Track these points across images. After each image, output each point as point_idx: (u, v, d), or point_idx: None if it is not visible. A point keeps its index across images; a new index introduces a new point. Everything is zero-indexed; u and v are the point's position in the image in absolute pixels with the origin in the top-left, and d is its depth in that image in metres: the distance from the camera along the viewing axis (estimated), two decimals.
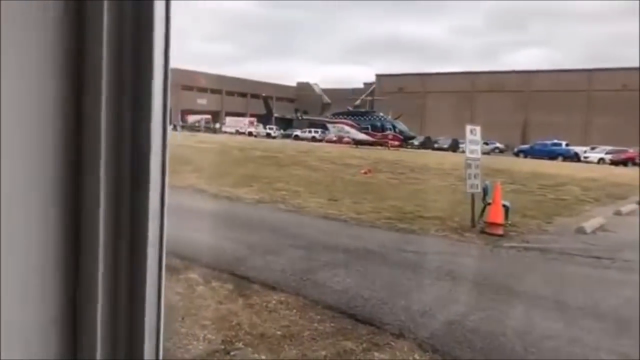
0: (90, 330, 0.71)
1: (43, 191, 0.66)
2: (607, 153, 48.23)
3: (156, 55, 0.69)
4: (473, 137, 11.41)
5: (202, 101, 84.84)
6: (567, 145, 53.04)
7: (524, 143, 60.56)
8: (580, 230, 10.98)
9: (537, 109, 68.63)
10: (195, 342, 4.60)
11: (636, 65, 51.87)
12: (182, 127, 72.62)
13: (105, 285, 0.71)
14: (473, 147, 11.32)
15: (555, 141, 53.80)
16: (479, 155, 11.37)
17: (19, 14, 0.62)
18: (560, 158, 49.27)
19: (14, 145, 0.63)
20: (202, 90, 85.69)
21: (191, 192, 13.70)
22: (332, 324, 5.22)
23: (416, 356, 4.65)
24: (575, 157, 49.18)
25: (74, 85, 0.68)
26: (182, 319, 5.11)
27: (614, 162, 45.33)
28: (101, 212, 0.70)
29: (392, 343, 4.88)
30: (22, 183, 0.65)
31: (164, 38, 0.70)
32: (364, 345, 4.79)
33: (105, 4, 0.67)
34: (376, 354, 4.63)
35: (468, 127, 11.41)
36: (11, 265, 0.64)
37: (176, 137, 42.85)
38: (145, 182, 0.71)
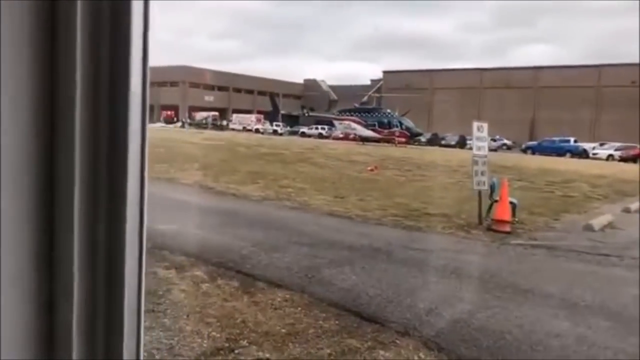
0: (66, 329, 0.69)
1: (17, 190, 0.65)
2: (616, 149, 47.89)
3: (134, 55, 0.67)
4: (480, 133, 11.34)
5: (209, 98, 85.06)
6: (575, 141, 52.66)
7: (531, 140, 60.21)
8: (588, 228, 10.89)
9: (545, 106, 68.23)
10: (199, 340, 4.59)
11: None
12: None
13: (81, 283, 0.69)
14: (480, 143, 11.25)
15: (564, 138, 53.44)
16: (486, 152, 11.30)
17: None
18: (568, 155, 48.94)
19: None
20: (209, 87, 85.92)
21: (197, 189, 13.73)
22: (337, 322, 5.20)
23: (421, 354, 4.62)
24: (584, 154, 48.83)
25: (48, 85, 0.66)
26: (187, 316, 5.11)
27: (623, 159, 45.02)
28: (76, 212, 0.68)
29: (397, 341, 4.85)
30: None
31: (142, 37, 0.68)
32: (369, 343, 4.76)
33: (79, 4, 0.65)
34: (381, 352, 4.60)
35: (475, 124, 11.34)
36: None
37: (183, 134, 42.96)
38: (123, 184, 0.69)
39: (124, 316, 0.71)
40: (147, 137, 0.72)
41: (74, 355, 0.70)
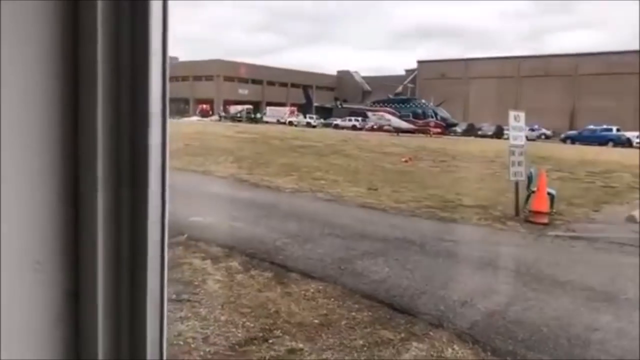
0: (92, 330, 0.71)
1: (42, 190, 0.67)
2: None
3: (153, 53, 0.69)
4: (517, 123, 11.10)
5: (243, 91, 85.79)
6: (618, 130, 50.93)
7: (572, 129, 58.57)
8: (631, 219, 10.55)
9: (586, 94, 66.18)
10: (234, 330, 4.67)
11: None
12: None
13: (106, 284, 0.71)
14: (517, 133, 11.02)
15: (605, 126, 51.76)
16: (523, 142, 11.05)
17: (14, 15, 0.63)
18: (610, 144, 47.42)
19: (14, 145, 0.64)
20: (244, 80, 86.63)
21: (232, 182, 13.89)
22: (369, 313, 5.20)
23: (455, 347, 4.58)
24: (627, 143, 47.20)
25: (71, 84, 0.68)
26: (222, 306, 5.19)
27: None
28: (99, 210, 0.69)
29: (431, 333, 4.82)
30: (22, 181, 0.65)
31: (161, 36, 0.70)
32: (402, 334, 4.75)
33: (99, 4, 0.67)
34: (414, 343, 4.58)
35: (511, 113, 11.10)
36: (11, 263, 0.65)
37: (218, 127, 43.48)
38: (145, 180, 0.71)
39: (146, 318, 0.73)
40: (168, 134, 0.73)
41: (100, 355, 0.72)
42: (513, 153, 10.62)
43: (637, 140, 47.15)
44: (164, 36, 0.70)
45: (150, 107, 0.69)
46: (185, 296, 5.39)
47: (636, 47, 64.30)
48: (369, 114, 57.53)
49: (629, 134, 49.37)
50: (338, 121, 67.11)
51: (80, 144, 0.69)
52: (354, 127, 62.42)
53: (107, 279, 0.71)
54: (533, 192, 10.21)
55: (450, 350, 4.52)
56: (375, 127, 55.56)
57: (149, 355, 0.73)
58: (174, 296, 5.37)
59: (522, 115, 11.21)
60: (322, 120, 69.51)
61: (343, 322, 4.95)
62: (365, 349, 4.47)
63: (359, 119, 63.70)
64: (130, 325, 0.73)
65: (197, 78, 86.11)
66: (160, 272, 0.74)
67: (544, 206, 9.94)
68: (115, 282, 0.72)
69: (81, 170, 0.69)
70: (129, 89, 0.69)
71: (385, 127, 53.58)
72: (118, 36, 0.68)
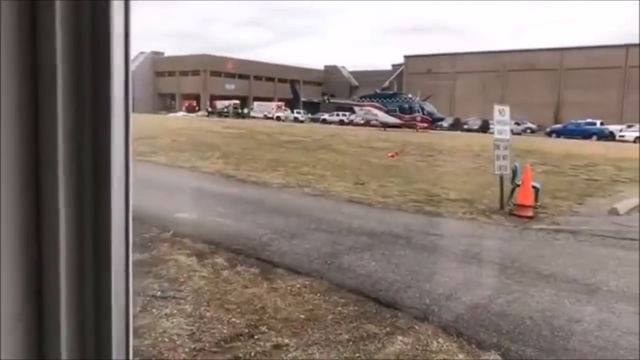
0: (55, 329, 0.71)
1: (2, 190, 0.66)
2: None
3: (115, 53, 0.68)
4: (502, 117, 11.18)
5: (230, 86, 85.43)
6: (601, 124, 51.54)
7: (556, 123, 59.13)
8: (613, 212, 10.69)
9: (570, 88, 66.80)
10: (220, 326, 4.66)
11: None
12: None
13: (69, 283, 0.71)
14: (501, 127, 11.10)
15: (589, 120, 52.34)
16: (508, 136, 11.14)
17: None
18: (594, 137, 47.99)
19: None
20: (230, 75, 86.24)
21: (218, 178, 13.84)
22: (355, 308, 5.22)
23: (440, 340, 4.62)
24: (610, 137, 47.83)
25: (30, 85, 0.67)
26: (208, 303, 5.18)
27: None
28: (61, 210, 0.69)
29: (416, 327, 4.85)
30: None
31: (123, 35, 0.69)
32: (388, 328, 4.77)
33: (58, 4, 0.66)
34: (400, 337, 4.61)
35: (496, 108, 11.17)
36: None
37: (205, 123, 43.27)
38: (107, 180, 0.70)
39: (111, 317, 0.72)
40: (131, 134, 0.73)
41: (64, 355, 0.71)
42: (498, 147, 10.70)
43: (620, 134, 47.73)
44: (126, 36, 0.70)
45: (112, 107, 0.69)
46: (170, 293, 5.37)
47: (619, 42, 64.95)
48: (356, 108, 57.60)
49: (612, 128, 50.01)
50: (325, 116, 67.19)
51: (41, 145, 0.68)
52: (341, 122, 62.52)
53: (70, 278, 0.71)
54: (518, 185, 10.31)
55: (435, 343, 4.55)
56: (362, 121, 55.65)
57: (114, 355, 0.73)
58: (159, 293, 5.35)
59: (506, 109, 11.29)
60: (309, 115, 69.51)
61: (329, 317, 4.97)
62: (350, 343, 4.48)
63: (347, 113, 63.79)
64: (95, 324, 0.73)
65: (184, 73, 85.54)
66: (125, 271, 0.74)
67: (529, 199, 10.04)
68: (78, 281, 0.71)
69: (42, 171, 0.69)
70: (90, 89, 0.69)
71: (373, 122, 53.70)
72: (78, 36, 0.68)
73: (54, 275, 0.70)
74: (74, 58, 0.68)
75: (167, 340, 4.36)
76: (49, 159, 0.68)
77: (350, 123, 60.35)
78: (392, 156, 20.82)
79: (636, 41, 63.67)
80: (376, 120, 53.31)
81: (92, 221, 0.71)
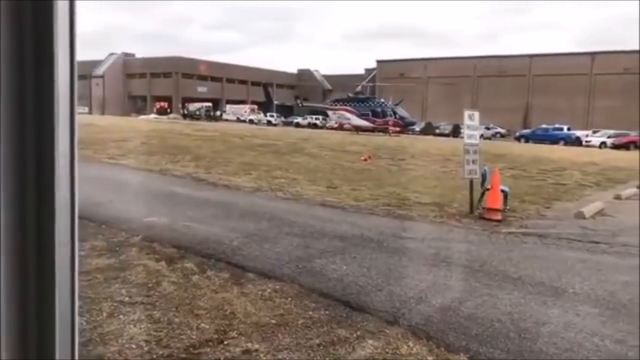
0: None
1: None
2: (608, 137, 48.04)
3: (60, 55, 0.67)
4: (471, 122, 11.34)
5: (202, 89, 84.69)
6: (568, 129, 52.82)
7: (525, 128, 60.33)
8: (579, 215, 10.94)
9: (539, 94, 68.28)
10: (188, 332, 4.60)
11: (637, 48, 51.46)
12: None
13: (10, 285, 0.69)
14: (471, 132, 11.26)
15: (557, 125, 53.58)
16: (477, 141, 11.32)
17: None
18: (561, 142, 49.10)
19: None
20: (203, 77, 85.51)
21: (189, 181, 13.70)
22: (326, 312, 5.22)
23: (410, 343, 4.64)
24: (577, 142, 48.99)
25: None
26: (177, 308, 5.11)
27: (615, 146, 45.16)
28: (2, 211, 0.67)
29: (386, 330, 4.87)
30: None
31: (68, 37, 0.68)
32: (358, 332, 4.78)
33: (2, 4, 0.64)
34: (370, 341, 4.62)
35: (466, 113, 11.33)
36: None
37: (176, 126, 42.79)
38: (51, 181, 0.68)
39: (55, 317, 0.71)
40: (77, 137, 0.71)
41: (4, 355, 0.69)
42: (468, 152, 10.85)
43: (586, 139, 48.95)
44: (72, 37, 0.68)
45: (56, 108, 0.67)
46: (138, 299, 5.28)
47: (585, 50, 66.67)
48: (330, 112, 57.72)
49: (578, 133, 51.25)
50: (299, 119, 67.12)
51: None
52: (314, 126, 62.59)
53: (11, 279, 0.68)
54: (487, 189, 10.46)
55: (405, 346, 4.58)
56: (335, 125, 55.81)
57: (58, 355, 0.71)
58: (127, 299, 5.25)
59: (476, 114, 11.46)
60: (282, 119, 69.34)
61: (300, 322, 4.95)
62: (321, 347, 4.47)
63: (320, 117, 63.86)
64: (38, 324, 0.71)
65: (155, 75, 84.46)
66: (70, 272, 0.72)
67: (498, 203, 10.19)
68: (21, 281, 0.69)
69: None
70: (33, 93, 0.67)
71: (346, 126, 53.90)
72: (20, 37, 0.66)
73: None
74: (17, 58, 0.66)
75: (134, 346, 4.28)
76: None
77: (324, 127, 60.46)
78: (365, 160, 20.93)
79: (602, 49, 65.52)
80: (349, 124, 53.54)
81: (35, 222, 0.69)
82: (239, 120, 70.08)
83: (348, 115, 53.95)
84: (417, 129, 56.87)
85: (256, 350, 4.35)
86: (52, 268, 0.70)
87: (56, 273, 0.70)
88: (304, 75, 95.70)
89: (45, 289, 0.71)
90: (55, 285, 0.71)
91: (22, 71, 0.67)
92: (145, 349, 4.27)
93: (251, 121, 68.41)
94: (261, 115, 70.09)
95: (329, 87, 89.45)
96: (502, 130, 58.82)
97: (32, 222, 0.69)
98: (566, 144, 48.50)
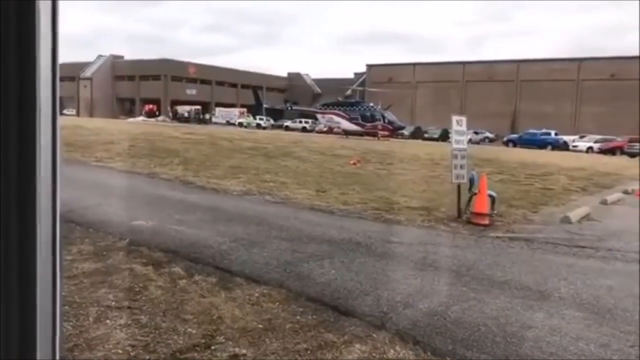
0: None
1: None
2: (595, 142, 48.57)
3: (41, 53, 0.67)
4: (459, 127, 11.41)
5: (191, 92, 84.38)
6: (556, 134, 53.35)
7: (513, 132, 60.82)
8: (566, 220, 11.05)
9: (527, 99, 68.92)
10: (175, 337, 4.58)
11: (623, 54, 52.13)
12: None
13: None
14: (459, 137, 11.32)
15: (545, 130, 54.09)
16: (465, 146, 11.38)
17: None
18: (549, 147, 49.54)
19: None
20: (192, 80, 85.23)
21: (177, 184, 13.64)
22: (314, 316, 5.22)
23: (397, 347, 4.66)
24: (564, 146, 49.47)
25: None
26: (164, 313, 5.09)
27: (602, 151, 45.67)
28: None
29: (374, 335, 4.88)
30: None
31: (50, 36, 0.68)
32: (346, 337, 4.79)
33: None
34: (357, 345, 4.63)
35: (454, 118, 11.40)
36: None
37: (165, 129, 42.60)
38: (32, 182, 0.69)
39: (36, 318, 0.71)
40: (59, 134, 0.71)
41: None
42: (456, 156, 10.91)
43: (573, 144, 49.45)
44: (54, 36, 0.68)
45: (38, 108, 0.67)
46: (125, 303, 5.25)
47: (573, 55, 67.38)
48: (319, 116, 57.80)
49: (566, 138, 51.77)
50: (288, 123, 67.15)
51: None
52: (304, 129, 62.65)
53: None
54: (475, 194, 10.53)
55: (392, 351, 4.59)
56: (325, 129, 55.88)
57: (39, 355, 0.72)
58: (113, 303, 5.22)
59: (464, 119, 11.54)
60: (272, 122, 69.33)
61: (287, 326, 4.95)
62: (308, 352, 4.48)
63: (309, 121, 63.93)
64: (20, 324, 0.71)
65: (144, 77, 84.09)
66: (52, 271, 0.73)
67: (485, 208, 10.27)
68: (2, 281, 0.70)
69: None
70: (15, 90, 0.67)
71: (335, 130, 54.01)
72: (3, 36, 0.66)
73: None
74: None
75: (120, 351, 4.26)
76: None
77: (313, 130, 60.53)
78: (354, 164, 20.98)
79: (588, 55, 66.25)
80: (339, 128, 53.66)
81: (17, 224, 0.69)
82: (228, 123, 69.95)
83: (338, 119, 54.08)
84: (406, 133, 57.11)
85: (244, 355, 4.34)
86: (34, 269, 0.71)
87: (38, 274, 0.71)
88: (294, 79, 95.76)
89: (28, 290, 0.71)
90: (36, 286, 0.71)
91: (4, 71, 0.67)
92: (132, 353, 4.25)
93: (241, 124, 68.32)
94: (250, 119, 70.03)
95: (319, 90, 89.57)
96: (491, 135, 59.26)
97: (13, 223, 0.70)
98: (554, 148, 48.95)
